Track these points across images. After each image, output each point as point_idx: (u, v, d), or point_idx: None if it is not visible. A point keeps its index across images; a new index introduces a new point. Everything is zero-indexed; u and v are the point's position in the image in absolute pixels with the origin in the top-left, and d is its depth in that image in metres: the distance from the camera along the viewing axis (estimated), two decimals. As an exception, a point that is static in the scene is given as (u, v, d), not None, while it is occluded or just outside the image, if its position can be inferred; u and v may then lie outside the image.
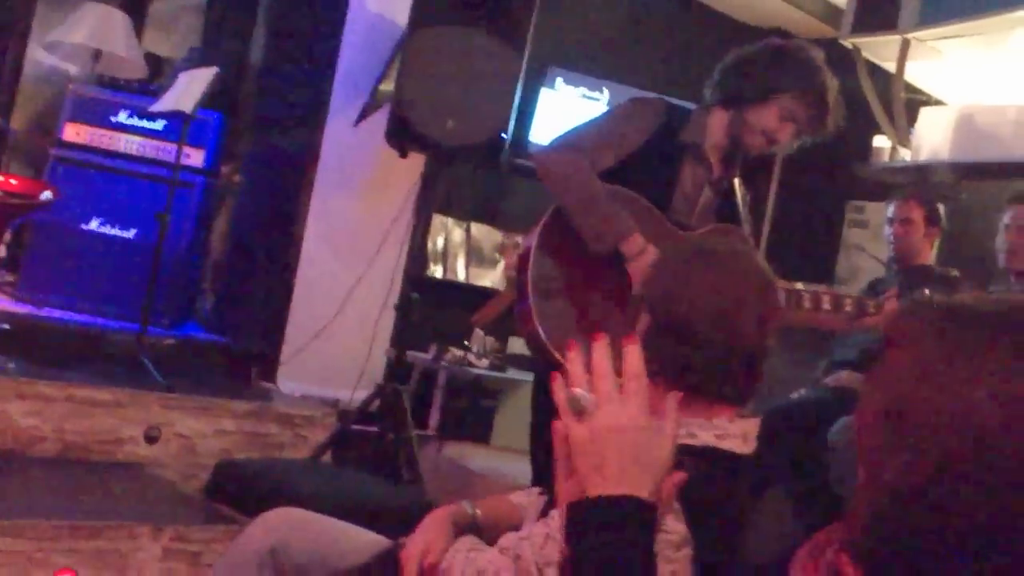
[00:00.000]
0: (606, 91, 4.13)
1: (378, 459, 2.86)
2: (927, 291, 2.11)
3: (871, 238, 3.89)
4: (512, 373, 3.65)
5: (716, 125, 2.11)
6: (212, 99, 2.94)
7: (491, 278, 4.12)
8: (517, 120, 3.81)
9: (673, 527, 1.07)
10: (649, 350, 1.22)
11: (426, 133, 3.00)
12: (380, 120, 3.26)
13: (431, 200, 3.56)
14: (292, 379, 3.41)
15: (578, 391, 0.81)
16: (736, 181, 2.17)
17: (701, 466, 1.11)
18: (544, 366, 1.98)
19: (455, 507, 1.39)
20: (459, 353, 3.57)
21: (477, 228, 4.12)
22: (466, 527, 1.36)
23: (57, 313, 3.17)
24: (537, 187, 2.17)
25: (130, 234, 3.35)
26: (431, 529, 1.32)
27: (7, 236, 3.23)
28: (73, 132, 3.33)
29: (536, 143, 4.05)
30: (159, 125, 3.35)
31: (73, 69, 3.89)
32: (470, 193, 4.10)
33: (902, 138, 3.38)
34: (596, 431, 0.80)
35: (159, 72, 4.01)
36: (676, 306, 1.21)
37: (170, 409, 2.64)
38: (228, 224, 3.96)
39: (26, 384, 2.45)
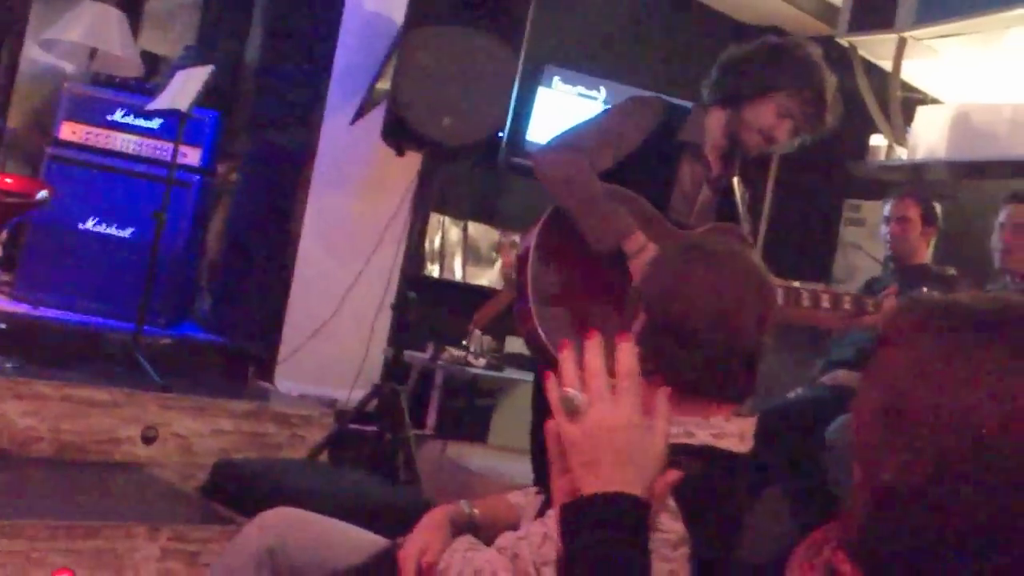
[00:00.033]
0: (603, 90, 4.13)
1: (375, 459, 2.86)
2: (925, 290, 2.11)
3: (868, 237, 3.89)
4: (509, 372, 3.65)
5: (714, 124, 2.11)
6: (208, 98, 2.94)
7: (488, 277, 4.12)
8: (514, 119, 3.81)
9: (670, 526, 1.08)
10: (645, 349, 1.22)
11: (423, 132, 3.00)
12: (377, 118, 3.25)
13: (428, 199, 3.56)
14: (289, 379, 3.41)
15: (570, 391, 0.81)
16: (735, 180, 2.17)
17: (698, 465, 1.11)
18: (543, 366, 1.98)
19: (453, 507, 1.39)
20: (456, 352, 3.57)
21: (474, 227, 4.11)
22: (464, 527, 1.36)
23: (54, 312, 3.16)
24: (534, 186, 2.17)
25: (127, 233, 3.34)
26: (429, 529, 1.32)
27: (3, 235, 3.22)
28: (69, 131, 3.32)
29: (533, 142, 4.05)
30: (155, 124, 3.35)
31: (69, 67, 3.88)
32: (467, 192, 4.10)
33: (898, 137, 3.38)
34: (588, 430, 0.80)
35: (155, 70, 4.00)
36: (672, 305, 1.21)
37: (167, 409, 2.64)
38: (225, 223, 3.95)
39: (23, 384, 2.44)
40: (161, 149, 3.33)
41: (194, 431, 2.67)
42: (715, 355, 1.20)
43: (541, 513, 1.25)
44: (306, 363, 3.43)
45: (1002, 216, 2.70)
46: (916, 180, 3.40)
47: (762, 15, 4.36)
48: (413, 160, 3.47)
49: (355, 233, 3.54)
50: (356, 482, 2.55)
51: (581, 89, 4.12)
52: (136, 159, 3.35)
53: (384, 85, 3.34)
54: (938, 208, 3.03)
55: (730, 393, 1.23)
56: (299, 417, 2.91)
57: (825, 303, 2.04)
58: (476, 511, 1.39)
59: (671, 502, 1.07)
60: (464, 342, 3.65)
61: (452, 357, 3.55)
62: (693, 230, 2.08)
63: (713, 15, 4.48)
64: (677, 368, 1.20)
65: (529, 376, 3.34)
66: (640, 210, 2.02)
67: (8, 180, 3.03)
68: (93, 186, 3.32)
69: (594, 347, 0.82)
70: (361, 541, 1.43)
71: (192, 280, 3.68)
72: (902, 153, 3.41)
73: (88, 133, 3.33)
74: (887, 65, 3.36)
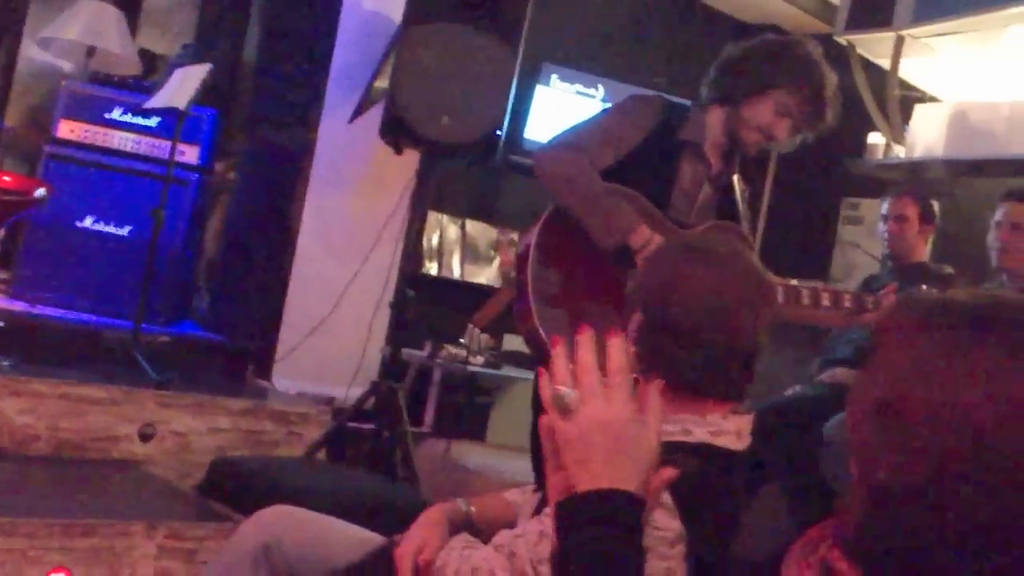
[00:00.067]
0: (601, 88, 4.13)
1: (373, 457, 2.86)
2: (925, 288, 2.11)
3: (866, 235, 3.89)
4: (507, 370, 3.65)
5: (714, 122, 2.11)
6: (206, 96, 2.94)
7: (486, 275, 4.12)
8: (512, 117, 3.81)
9: (667, 523, 1.08)
10: (642, 348, 1.23)
11: (421, 130, 3.00)
12: (375, 117, 3.25)
13: (426, 197, 3.56)
14: (287, 376, 3.41)
15: (562, 388, 0.81)
16: (735, 178, 2.17)
17: (695, 463, 1.11)
18: (543, 364, 1.97)
19: (450, 505, 1.39)
20: (454, 350, 3.57)
21: (472, 225, 4.11)
22: (461, 525, 1.36)
23: (52, 311, 3.16)
24: (532, 184, 2.17)
25: (125, 231, 3.34)
26: (426, 527, 1.32)
27: (1, 234, 3.22)
28: (67, 129, 3.32)
29: (531, 140, 4.05)
30: (153, 122, 3.34)
31: (67, 66, 3.87)
32: (465, 190, 4.10)
33: (896, 135, 3.39)
34: (581, 427, 0.80)
35: (153, 69, 4.00)
36: (669, 304, 1.21)
37: (165, 407, 2.64)
38: (223, 221, 3.95)
39: (20, 382, 2.44)
40: (159, 147, 3.33)
41: (192, 429, 2.67)
42: (712, 353, 1.20)
43: (538, 511, 1.25)
44: (304, 361, 3.43)
45: (999, 215, 2.69)
46: (914, 178, 3.40)
47: (761, 13, 4.36)
48: (411, 158, 3.47)
49: (353, 231, 3.54)
50: (353, 480, 2.55)
51: (579, 87, 4.12)
52: (134, 157, 3.35)
53: (382, 83, 3.34)
54: (936, 206, 3.04)
55: (727, 391, 1.23)
56: (297, 415, 2.91)
57: (825, 301, 2.04)
58: (473, 509, 1.39)
59: (668, 499, 1.07)
60: (462, 340, 3.65)
61: (450, 355, 3.55)
62: (693, 229, 2.08)
63: (711, 13, 4.48)
64: (674, 366, 1.20)
65: (528, 374, 3.34)
66: (640, 208, 2.02)
67: (6, 178, 3.02)
68: (91, 184, 3.32)
69: (586, 344, 0.82)
70: (358, 539, 1.44)
71: (190, 278, 3.68)
72: (900, 151, 3.41)
73: (86, 131, 3.33)
74: (885, 63, 3.36)
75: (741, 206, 2.18)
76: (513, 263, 2.09)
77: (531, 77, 3.99)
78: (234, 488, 2.29)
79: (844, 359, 2.77)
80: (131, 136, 3.36)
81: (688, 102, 2.20)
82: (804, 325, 2.27)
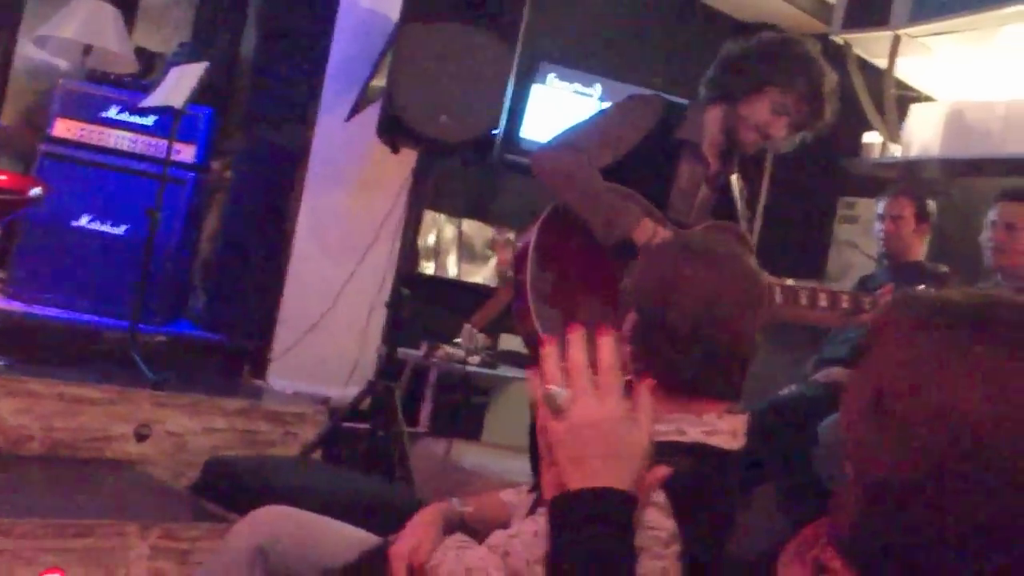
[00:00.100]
0: (598, 87, 4.13)
1: (369, 456, 2.86)
2: (923, 288, 2.11)
3: (862, 234, 3.90)
4: (503, 370, 3.65)
5: (712, 121, 2.11)
6: (203, 94, 2.93)
7: (483, 275, 4.12)
8: (509, 116, 3.81)
9: (662, 523, 1.07)
10: (637, 347, 1.23)
11: (418, 129, 2.99)
12: (372, 116, 3.25)
13: (423, 196, 3.55)
14: (283, 376, 3.40)
15: (553, 387, 0.81)
16: (734, 177, 2.17)
17: (690, 462, 1.11)
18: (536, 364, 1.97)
19: (445, 505, 1.39)
20: (450, 350, 3.57)
21: (469, 224, 4.11)
22: (456, 524, 1.36)
23: (47, 310, 3.15)
24: (529, 183, 2.17)
25: (121, 230, 3.33)
26: (420, 527, 1.32)
27: (-4, 232, 3.21)
28: (63, 128, 3.31)
29: (528, 139, 4.05)
30: (149, 121, 3.34)
31: (63, 64, 3.86)
32: (462, 189, 4.09)
33: (892, 134, 3.39)
34: (573, 426, 0.80)
35: (150, 67, 3.99)
36: (666, 304, 1.21)
37: (160, 406, 2.63)
38: (219, 220, 3.94)
39: (15, 382, 2.43)
40: (155, 146, 3.32)
41: (187, 429, 2.66)
42: (707, 353, 1.19)
43: (532, 511, 1.25)
44: (300, 361, 3.43)
45: (993, 214, 2.70)
46: (910, 178, 3.40)
47: (758, 13, 4.36)
48: (408, 157, 3.47)
49: (350, 230, 3.54)
50: (349, 480, 2.55)
51: (576, 86, 4.12)
52: (130, 156, 3.34)
53: (379, 82, 3.34)
54: (932, 205, 3.04)
55: (722, 391, 1.22)
56: (292, 415, 2.91)
57: (822, 302, 2.04)
58: (468, 509, 1.39)
59: (662, 499, 1.07)
60: (458, 339, 3.65)
61: (446, 355, 3.55)
62: (692, 229, 2.08)
63: (708, 12, 4.49)
64: (669, 366, 1.20)
65: (523, 374, 3.34)
66: (639, 207, 2.02)
67: (1, 177, 3.02)
68: (87, 183, 3.31)
69: (576, 342, 0.82)
70: (353, 539, 1.43)
71: (186, 278, 3.67)
72: (896, 151, 3.42)
73: (82, 130, 3.32)
74: (882, 63, 3.36)
75: (739, 206, 2.18)
76: (511, 263, 2.09)
77: (528, 76, 3.99)
78: (229, 488, 2.29)
79: (839, 358, 2.77)
80: (127, 135, 3.35)
81: (687, 101, 2.19)
82: (802, 325, 2.27)
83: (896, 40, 3.24)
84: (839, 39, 3.40)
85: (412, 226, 3.58)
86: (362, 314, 3.50)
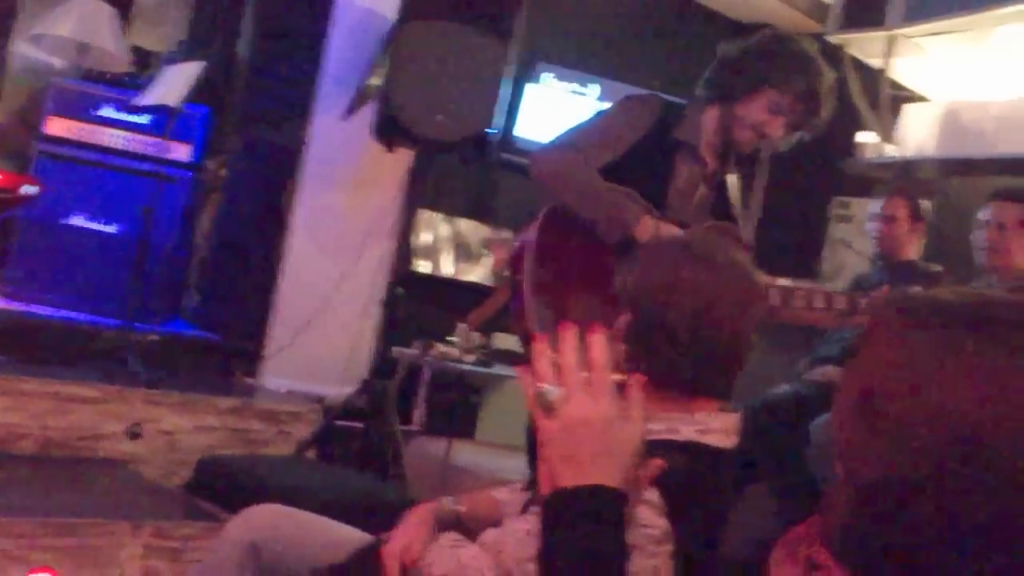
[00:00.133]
0: (595, 87, 4.13)
1: (363, 455, 2.85)
2: (919, 289, 2.11)
3: (856, 234, 3.90)
4: (497, 369, 3.65)
5: (709, 121, 2.11)
6: (199, 93, 2.93)
7: (478, 274, 4.12)
8: (506, 115, 3.81)
9: (654, 521, 1.07)
10: (630, 346, 1.23)
11: (414, 128, 3.00)
12: (367, 115, 3.25)
13: (418, 195, 3.55)
14: (277, 375, 3.40)
15: (545, 386, 0.81)
16: (731, 176, 2.18)
17: (683, 461, 1.11)
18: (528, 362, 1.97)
19: (438, 503, 1.38)
20: (445, 349, 3.57)
21: (464, 223, 4.11)
22: (449, 523, 1.35)
23: (41, 309, 3.15)
24: (525, 183, 2.17)
25: (115, 229, 3.33)
26: (413, 525, 1.32)
27: (-10, 231, 3.20)
28: (58, 126, 3.30)
29: (524, 138, 4.05)
30: (145, 119, 3.33)
31: (58, 62, 3.85)
32: (458, 188, 4.09)
33: (887, 134, 3.40)
34: (565, 424, 0.80)
35: (146, 66, 3.98)
36: (663, 304, 1.21)
37: (153, 405, 2.63)
38: (214, 219, 3.94)
39: (8, 380, 2.43)
40: (151, 145, 3.31)
41: (180, 427, 2.66)
42: (700, 352, 1.20)
43: (525, 509, 1.25)
44: (294, 359, 3.42)
45: (985, 214, 2.70)
46: (904, 177, 3.41)
47: (753, 12, 4.36)
48: (404, 156, 3.46)
49: (345, 229, 3.54)
50: (343, 478, 2.55)
51: (573, 86, 4.12)
52: (125, 155, 3.33)
53: (375, 81, 3.33)
54: (926, 205, 3.04)
55: (715, 389, 1.23)
56: (286, 413, 2.90)
57: (818, 303, 2.04)
58: (461, 507, 1.39)
59: (655, 497, 1.07)
60: (452, 338, 3.65)
61: (440, 353, 3.55)
62: (690, 228, 2.08)
63: (704, 12, 4.49)
64: (664, 366, 1.20)
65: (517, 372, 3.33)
66: (640, 205, 2.03)
67: (-5, 175, 3.01)
68: (82, 182, 3.30)
69: (568, 340, 0.82)
70: (345, 537, 1.43)
71: (181, 276, 3.66)
72: (891, 150, 3.42)
73: (77, 129, 3.32)
74: (876, 63, 3.37)
75: (737, 206, 2.18)
76: (508, 263, 2.09)
77: (525, 76, 3.99)
78: (222, 487, 2.28)
79: (832, 357, 2.78)
80: (122, 133, 3.34)
81: (685, 101, 2.20)
82: (796, 325, 2.27)
83: (891, 40, 3.25)
84: (835, 39, 3.40)
85: (407, 225, 3.58)
86: (357, 313, 3.50)
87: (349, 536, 1.44)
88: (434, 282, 3.96)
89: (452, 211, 4.06)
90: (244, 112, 3.87)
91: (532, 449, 2.16)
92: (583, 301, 2.00)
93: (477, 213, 4.15)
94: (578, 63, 4.14)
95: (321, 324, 3.45)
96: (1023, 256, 2.66)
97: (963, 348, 0.64)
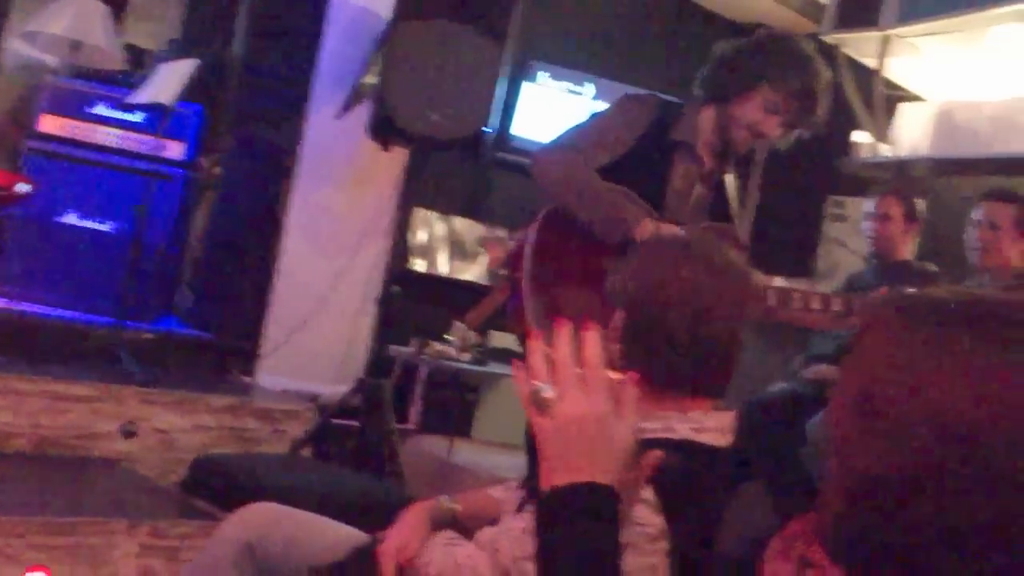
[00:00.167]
0: (589, 86, 4.14)
1: (359, 453, 2.85)
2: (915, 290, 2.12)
3: (851, 233, 3.91)
4: (493, 367, 3.65)
5: (705, 121, 2.12)
6: (192, 91, 2.92)
7: (474, 272, 4.12)
8: (501, 114, 3.81)
9: (650, 520, 1.08)
10: (626, 345, 1.23)
11: (409, 126, 2.99)
12: (362, 113, 3.24)
13: (414, 194, 3.55)
14: (272, 373, 3.40)
15: (539, 384, 0.81)
16: (728, 176, 2.18)
17: (678, 459, 1.11)
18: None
19: (433, 502, 1.39)
20: (441, 347, 3.57)
21: (460, 222, 4.11)
22: (445, 521, 1.36)
23: (35, 307, 3.14)
24: (521, 181, 2.17)
25: (108, 227, 3.32)
26: (409, 524, 1.32)
27: (-17, 229, 3.19)
28: (51, 124, 3.29)
29: (519, 137, 4.05)
30: (138, 117, 3.32)
31: (51, 60, 3.84)
32: (453, 187, 4.09)
33: (882, 134, 3.40)
34: (558, 421, 0.80)
35: (140, 64, 3.97)
36: (651, 302, 1.22)
37: (148, 404, 2.62)
38: (209, 218, 3.93)
39: (1, 379, 2.42)
40: (144, 143, 3.30)
41: (175, 426, 2.66)
42: (694, 351, 1.20)
43: (521, 507, 1.25)
44: (290, 357, 3.42)
45: (977, 214, 2.71)
46: (899, 177, 3.42)
47: (748, 12, 4.37)
48: (399, 155, 3.46)
49: (340, 228, 3.53)
50: (339, 477, 2.55)
51: (568, 85, 4.13)
52: (118, 153, 3.33)
53: (370, 80, 3.33)
54: (920, 205, 3.05)
55: (709, 388, 1.23)
56: (281, 412, 2.90)
57: (815, 304, 2.04)
58: (457, 506, 1.39)
59: (651, 496, 1.07)
60: (448, 336, 3.65)
61: (436, 352, 3.55)
62: (688, 229, 2.08)
63: (699, 12, 4.49)
64: (659, 365, 1.20)
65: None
66: (639, 207, 2.03)
67: (-12, 173, 3.00)
68: (75, 180, 3.29)
69: (562, 338, 0.82)
70: (341, 536, 1.43)
71: (175, 275, 3.66)
72: (885, 150, 3.43)
73: (70, 126, 3.30)
74: (871, 63, 3.38)
75: (735, 205, 2.18)
76: (508, 261, 2.09)
77: (520, 75, 3.99)
78: (217, 485, 2.28)
79: (826, 355, 2.78)
80: (116, 131, 3.33)
81: (682, 101, 2.20)
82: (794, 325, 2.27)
83: (886, 40, 3.26)
84: (829, 39, 3.41)
85: (403, 223, 3.58)
86: (352, 311, 3.50)
87: (345, 535, 1.44)
88: (430, 280, 3.96)
89: (448, 209, 4.06)
90: (238, 110, 3.86)
91: (531, 447, 2.16)
92: (582, 301, 2.00)
93: (472, 212, 4.15)
94: (573, 62, 4.15)
95: (317, 322, 3.45)
96: (1016, 255, 2.68)
97: (959, 347, 0.64)
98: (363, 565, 1.31)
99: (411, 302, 3.33)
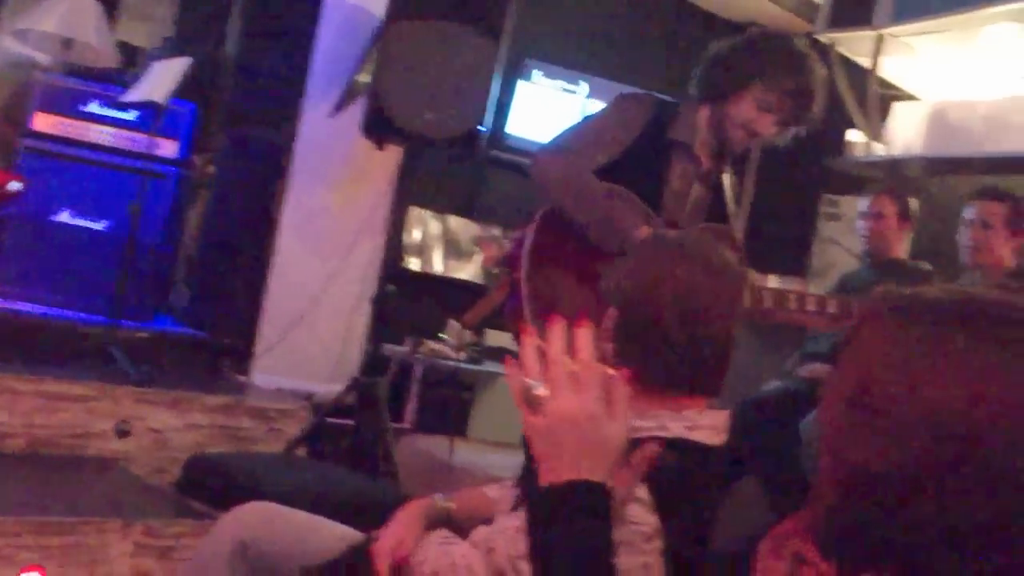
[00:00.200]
0: (584, 84, 4.14)
1: (354, 452, 2.85)
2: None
3: (845, 232, 3.92)
4: (488, 366, 3.65)
5: (701, 120, 2.12)
6: (186, 89, 2.91)
7: (468, 271, 4.12)
8: (495, 113, 3.80)
9: (644, 518, 1.08)
10: (619, 343, 1.23)
11: (403, 125, 2.99)
12: (357, 112, 3.24)
13: (408, 192, 3.54)
14: (267, 372, 3.39)
15: (531, 381, 0.81)
16: (726, 175, 2.18)
17: (673, 458, 1.12)
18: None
19: (428, 500, 1.38)
20: (436, 346, 3.57)
21: (455, 221, 4.11)
22: (439, 520, 1.35)
23: (28, 306, 3.12)
24: (515, 180, 2.17)
25: (102, 226, 3.30)
26: (403, 523, 1.32)
27: (-25, 228, 3.18)
28: (43, 122, 3.28)
29: (514, 136, 4.05)
30: (132, 116, 3.31)
31: (43, 58, 3.82)
32: (448, 185, 4.09)
33: (876, 133, 3.41)
34: (550, 419, 0.80)
35: (133, 62, 3.96)
36: (644, 301, 1.22)
37: (142, 403, 2.61)
38: (202, 216, 3.92)
39: (-5, 378, 2.41)
40: (137, 141, 3.29)
41: (169, 425, 2.65)
42: (687, 350, 1.20)
43: (516, 506, 1.25)
44: (284, 356, 3.41)
45: (970, 213, 2.72)
46: (892, 176, 3.43)
47: (743, 11, 4.37)
48: (393, 153, 3.46)
49: (335, 226, 3.53)
50: (334, 476, 2.54)
51: (562, 83, 4.12)
52: (112, 151, 3.31)
53: (364, 78, 3.32)
54: (914, 204, 3.06)
55: (703, 386, 1.23)
56: (276, 411, 2.90)
57: (810, 306, 2.04)
58: (452, 505, 1.39)
59: (645, 494, 1.08)
60: (443, 335, 3.64)
61: (431, 350, 3.55)
62: (685, 230, 2.08)
63: (693, 11, 4.50)
64: (652, 363, 1.20)
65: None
66: (636, 209, 2.03)
67: (-20, 172, 2.98)
68: (68, 178, 3.28)
69: (555, 335, 0.82)
70: (336, 535, 1.43)
71: (169, 273, 3.65)
72: (879, 149, 3.44)
73: (63, 124, 3.29)
74: (865, 62, 3.38)
75: (731, 205, 2.18)
76: (506, 260, 2.09)
77: (514, 73, 3.99)
78: (212, 485, 2.27)
79: (821, 354, 2.79)
80: (109, 130, 3.32)
81: (677, 100, 2.20)
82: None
83: (879, 39, 3.26)
84: (823, 38, 3.42)
85: (397, 222, 3.57)
86: (347, 310, 3.49)
87: (339, 534, 1.44)
88: (425, 279, 3.96)
89: (442, 208, 4.06)
90: (232, 108, 3.85)
91: (527, 446, 2.16)
92: (579, 302, 2.01)
93: (467, 210, 4.14)
94: (568, 61, 4.14)
95: (311, 321, 3.44)
96: (1007, 254, 2.69)
97: (953, 345, 0.64)
98: (357, 564, 1.31)
99: (406, 301, 3.32)
